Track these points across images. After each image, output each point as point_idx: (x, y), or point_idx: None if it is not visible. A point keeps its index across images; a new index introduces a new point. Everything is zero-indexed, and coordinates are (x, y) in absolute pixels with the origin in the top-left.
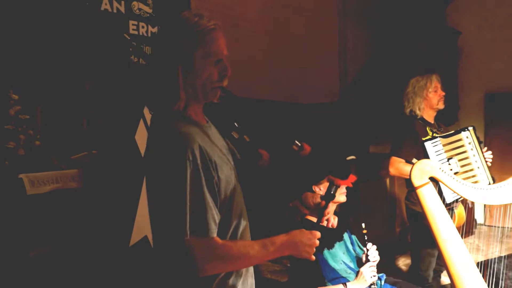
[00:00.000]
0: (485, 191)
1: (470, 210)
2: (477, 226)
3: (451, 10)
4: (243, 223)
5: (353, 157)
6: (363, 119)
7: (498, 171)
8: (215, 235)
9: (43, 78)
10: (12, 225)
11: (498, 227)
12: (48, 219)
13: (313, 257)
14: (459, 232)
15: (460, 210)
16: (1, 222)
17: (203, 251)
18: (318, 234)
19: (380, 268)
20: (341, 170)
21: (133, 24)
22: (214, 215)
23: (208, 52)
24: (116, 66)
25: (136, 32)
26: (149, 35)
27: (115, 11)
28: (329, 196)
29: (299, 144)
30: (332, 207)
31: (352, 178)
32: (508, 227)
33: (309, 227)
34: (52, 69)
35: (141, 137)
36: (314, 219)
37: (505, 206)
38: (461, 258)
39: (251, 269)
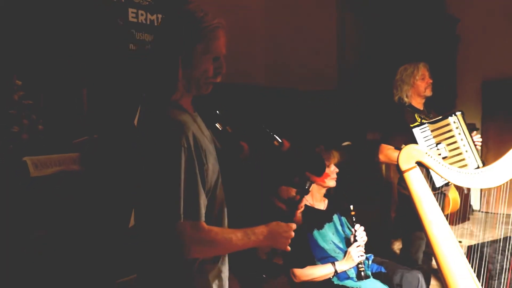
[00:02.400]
0: (470, 175)
1: (466, 196)
2: (473, 212)
3: None
4: (225, 213)
5: (348, 143)
6: (360, 106)
7: (495, 158)
8: (203, 219)
9: (45, 65)
10: (17, 205)
11: (494, 213)
12: (51, 200)
13: (289, 248)
14: (455, 218)
15: (455, 195)
16: (7, 203)
17: (192, 234)
18: (294, 226)
19: (374, 252)
20: (316, 166)
21: (132, 12)
22: (204, 201)
23: (208, 49)
24: (115, 53)
25: (135, 20)
26: (148, 22)
27: None
28: (304, 191)
29: (280, 141)
30: (321, 190)
31: (327, 175)
32: (503, 214)
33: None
34: (54, 56)
35: None
36: (306, 202)
37: (500, 193)
38: (446, 239)
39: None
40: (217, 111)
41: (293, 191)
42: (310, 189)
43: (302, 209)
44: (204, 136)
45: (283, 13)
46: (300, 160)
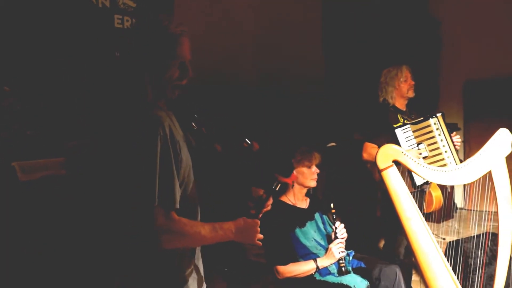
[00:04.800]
0: (444, 173)
1: (450, 194)
2: (457, 210)
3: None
4: (197, 209)
5: (333, 144)
6: (346, 107)
7: None
8: (178, 206)
9: (34, 71)
10: (5, 209)
11: (477, 211)
12: (39, 203)
13: (258, 242)
14: (438, 216)
15: (437, 193)
16: None
17: (163, 222)
18: (258, 222)
19: (358, 248)
20: (283, 167)
21: (118, 18)
22: (178, 190)
23: (173, 54)
24: (102, 60)
25: (121, 26)
26: None
27: (100, 5)
28: (271, 190)
29: (249, 142)
30: (302, 190)
31: (294, 176)
32: (486, 211)
33: (282, 208)
34: (43, 62)
35: None
36: (288, 201)
37: (483, 190)
38: (423, 235)
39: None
40: (196, 115)
41: (261, 191)
42: (277, 189)
43: (269, 208)
44: (178, 132)
45: (272, 17)
46: (268, 161)
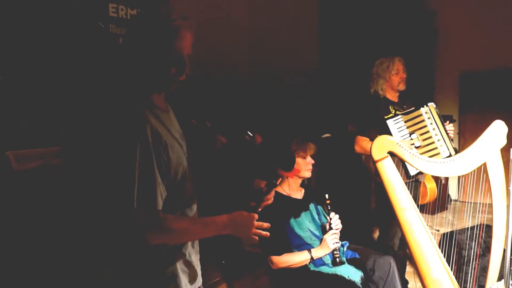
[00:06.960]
0: (439, 164)
1: (444, 186)
2: (452, 202)
3: None
4: (193, 208)
5: (328, 135)
6: (341, 98)
7: None
8: (161, 208)
9: (28, 60)
10: None
11: (472, 202)
12: (33, 193)
13: (255, 237)
14: (433, 207)
15: (432, 185)
16: None
17: (147, 221)
18: (256, 216)
19: (353, 239)
20: (285, 161)
21: (112, 7)
22: (162, 191)
23: (173, 48)
24: (97, 47)
25: (115, 15)
26: (128, 17)
27: None
28: (271, 184)
29: (251, 135)
30: (297, 180)
31: (296, 171)
32: (480, 203)
33: (277, 199)
34: (37, 51)
35: None
36: (283, 191)
37: (478, 182)
38: (417, 226)
39: (197, 246)
40: (207, 123)
41: (262, 183)
42: (278, 183)
43: (270, 201)
44: (166, 129)
45: (266, 8)
46: (271, 155)
